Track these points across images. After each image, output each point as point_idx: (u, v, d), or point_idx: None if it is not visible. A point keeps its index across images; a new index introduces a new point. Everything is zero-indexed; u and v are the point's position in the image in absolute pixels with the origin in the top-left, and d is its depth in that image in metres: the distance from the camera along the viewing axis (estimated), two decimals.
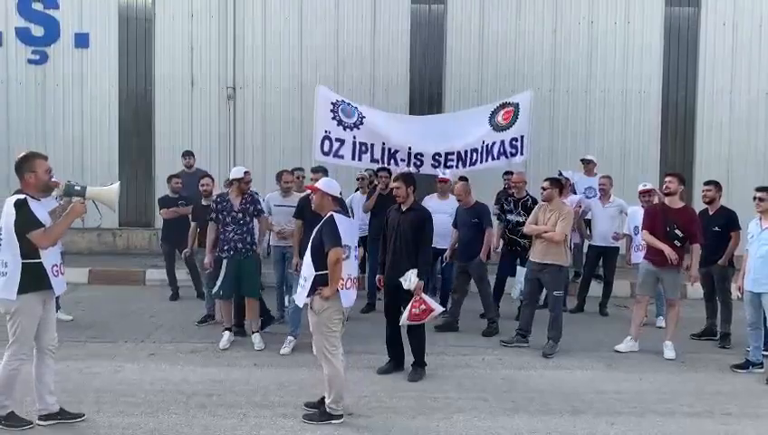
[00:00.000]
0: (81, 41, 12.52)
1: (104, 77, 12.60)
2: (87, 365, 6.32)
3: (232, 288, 7.19)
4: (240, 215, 7.15)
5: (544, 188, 7.34)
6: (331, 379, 5.17)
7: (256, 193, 7.63)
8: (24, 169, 4.76)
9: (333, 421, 5.15)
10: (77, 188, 4.83)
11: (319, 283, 5.14)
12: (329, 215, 5.23)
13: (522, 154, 8.84)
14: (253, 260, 7.25)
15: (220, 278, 7.14)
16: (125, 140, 12.78)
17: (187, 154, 10.84)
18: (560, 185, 7.60)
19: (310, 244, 5.29)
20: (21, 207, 4.60)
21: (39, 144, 12.38)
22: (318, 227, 5.26)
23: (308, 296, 5.18)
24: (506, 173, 10.25)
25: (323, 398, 5.30)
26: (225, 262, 7.12)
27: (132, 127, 12.85)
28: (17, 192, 4.79)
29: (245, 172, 7.36)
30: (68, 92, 12.59)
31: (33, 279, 4.70)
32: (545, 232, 7.18)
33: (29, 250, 4.65)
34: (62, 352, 5.01)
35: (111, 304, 8.98)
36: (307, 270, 5.23)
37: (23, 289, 4.65)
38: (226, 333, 7.21)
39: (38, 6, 12.48)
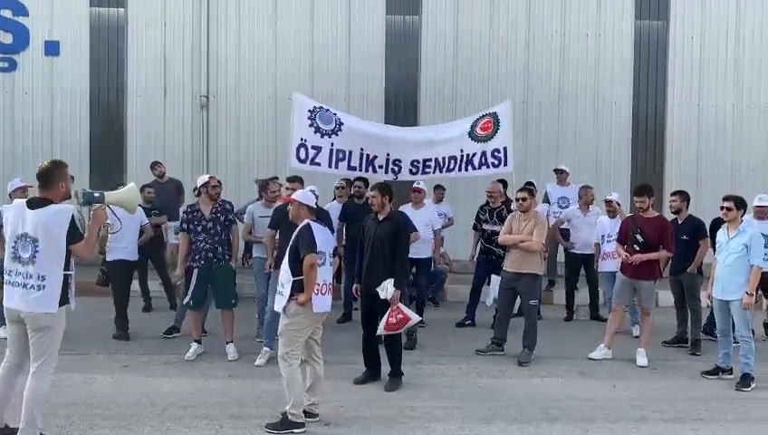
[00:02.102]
0: (52, 48, 12.33)
1: (75, 85, 12.42)
2: (59, 378, 6.11)
3: (203, 299, 7.12)
4: (210, 224, 7.08)
5: (524, 199, 7.39)
6: (290, 383, 5.20)
7: (229, 203, 7.55)
8: (56, 177, 4.63)
9: (295, 431, 5.12)
10: (96, 195, 4.78)
11: (296, 289, 5.25)
12: (305, 223, 5.40)
13: (506, 165, 8.82)
14: (226, 269, 7.19)
15: (191, 289, 7.08)
16: (96, 149, 12.58)
17: (156, 164, 10.64)
18: (533, 195, 7.68)
19: (287, 251, 5.40)
20: (72, 218, 4.51)
21: (7, 152, 12.25)
22: (294, 234, 5.39)
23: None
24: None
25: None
26: (195, 272, 7.05)
27: (104, 136, 12.67)
28: (43, 201, 4.56)
29: (210, 177, 7.34)
30: (37, 100, 12.37)
31: (67, 291, 4.63)
32: (522, 241, 7.25)
33: (68, 262, 4.57)
34: None
35: (83, 315, 8.70)
36: (285, 277, 5.34)
37: (62, 301, 4.57)
38: (194, 344, 7.13)
39: (7, 13, 12.26)
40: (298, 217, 5.50)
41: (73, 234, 4.51)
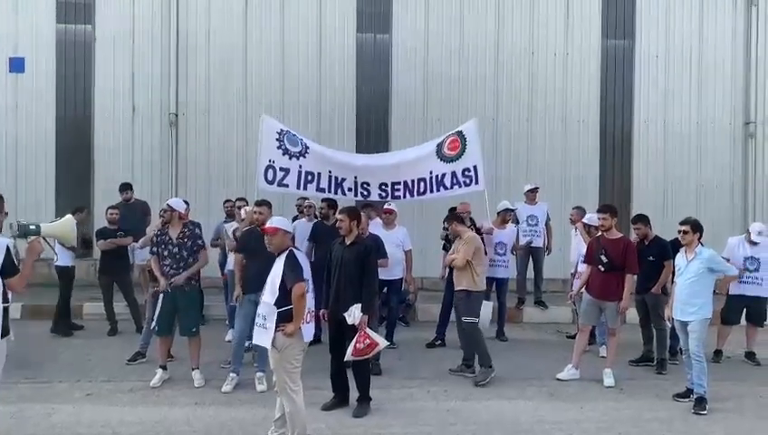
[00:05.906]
0: (17, 65, 12.15)
1: (41, 103, 12.26)
2: (19, 409, 6.05)
3: (167, 325, 7.00)
4: (176, 249, 6.97)
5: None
6: (293, 416, 5.15)
7: (197, 225, 7.39)
8: None
9: None
10: (31, 227, 4.68)
11: (281, 319, 5.12)
12: (288, 251, 5.29)
13: (477, 183, 8.88)
14: (191, 295, 7.05)
15: (156, 313, 6.97)
16: (62, 169, 12.42)
17: (125, 187, 10.52)
18: (456, 218, 7.71)
19: (269, 281, 5.24)
20: (8, 251, 4.37)
21: None
22: (277, 263, 5.26)
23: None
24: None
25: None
26: (161, 296, 6.95)
27: (70, 155, 12.49)
28: None
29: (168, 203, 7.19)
30: (2, 119, 12.18)
31: (6, 323, 4.48)
32: (452, 260, 7.45)
33: (4, 294, 4.43)
34: None
35: (45, 341, 8.64)
36: (266, 308, 5.17)
37: (1, 334, 4.44)
38: (159, 370, 7.00)
39: None
40: (281, 245, 5.32)
41: (8, 266, 4.38)
